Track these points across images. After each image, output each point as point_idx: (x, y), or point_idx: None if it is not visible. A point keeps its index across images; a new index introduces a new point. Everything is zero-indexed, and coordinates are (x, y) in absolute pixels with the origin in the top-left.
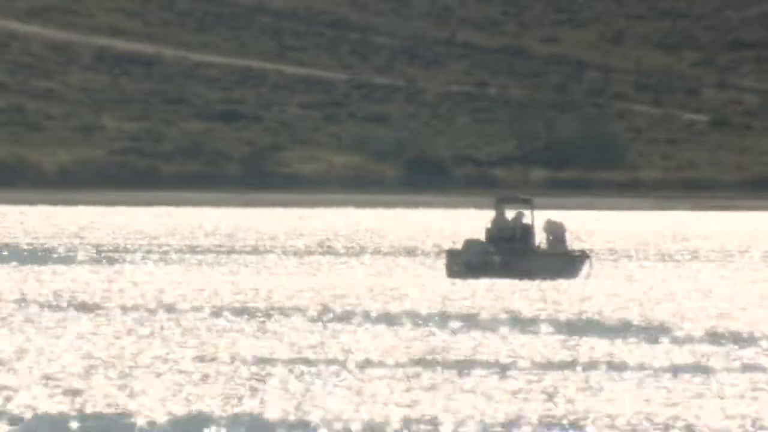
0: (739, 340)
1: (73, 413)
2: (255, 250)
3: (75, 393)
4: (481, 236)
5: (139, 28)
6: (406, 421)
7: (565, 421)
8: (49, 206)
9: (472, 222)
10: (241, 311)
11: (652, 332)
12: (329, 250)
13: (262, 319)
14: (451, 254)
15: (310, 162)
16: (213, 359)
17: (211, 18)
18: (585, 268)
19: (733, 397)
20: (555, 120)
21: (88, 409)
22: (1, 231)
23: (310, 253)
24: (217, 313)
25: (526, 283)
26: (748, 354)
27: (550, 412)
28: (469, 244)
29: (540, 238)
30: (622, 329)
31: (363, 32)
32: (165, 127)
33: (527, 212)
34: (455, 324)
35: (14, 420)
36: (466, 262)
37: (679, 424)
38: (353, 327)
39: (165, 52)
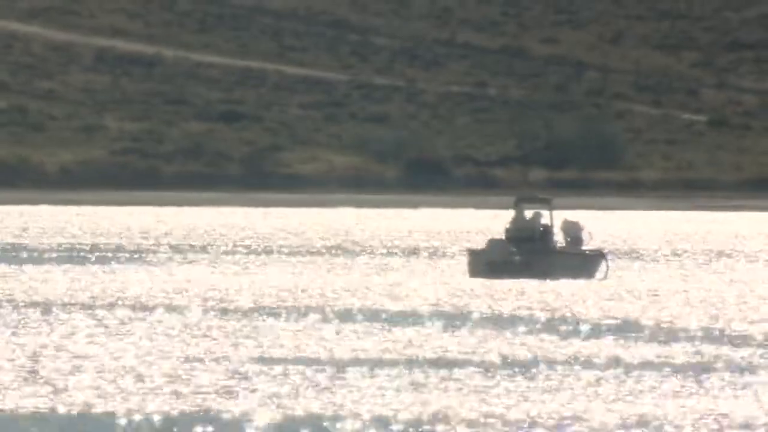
0: (738, 339)
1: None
2: (253, 251)
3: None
4: (501, 236)
5: (140, 29)
6: (410, 422)
7: (565, 421)
8: (51, 206)
9: (471, 222)
10: (242, 311)
11: (652, 332)
12: (329, 250)
13: (266, 318)
14: (474, 254)
15: (310, 162)
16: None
17: (211, 19)
18: (603, 267)
19: (730, 398)
20: (555, 120)
21: (83, 410)
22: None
23: (311, 253)
24: (224, 311)
25: (545, 283)
26: (746, 354)
27: (550, 411)
28: (492, 243)
29: (558, 238)
30: (624, 329)
31: (363, 33)
32: (166, 128)
33: (546, 212)
34: (455, 323)
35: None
36: (489, 261)
37: (674, 423)
38: (353, 327)
39: (166, 53)
